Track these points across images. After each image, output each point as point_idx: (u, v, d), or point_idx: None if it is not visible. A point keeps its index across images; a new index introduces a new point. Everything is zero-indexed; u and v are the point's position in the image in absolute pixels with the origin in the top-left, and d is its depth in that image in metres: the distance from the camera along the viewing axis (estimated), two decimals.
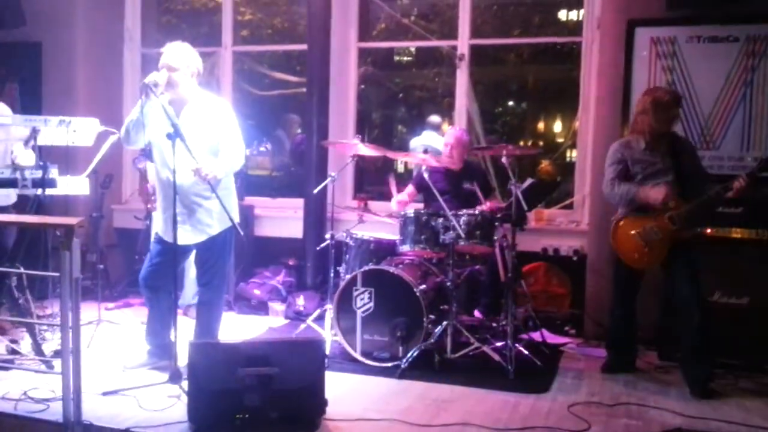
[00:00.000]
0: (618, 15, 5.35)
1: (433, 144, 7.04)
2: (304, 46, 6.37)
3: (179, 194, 4.00)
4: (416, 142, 7.33)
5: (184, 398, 3.55)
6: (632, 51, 5.32)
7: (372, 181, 7.84)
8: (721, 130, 5.18)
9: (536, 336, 5.07)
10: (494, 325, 4.98)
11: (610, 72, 5.42)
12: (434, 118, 7.50)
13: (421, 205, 5.43)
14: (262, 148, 5.89)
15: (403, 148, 7.34)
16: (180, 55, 4.06)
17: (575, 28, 6.56)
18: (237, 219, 4.20)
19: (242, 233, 4.04)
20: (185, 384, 3.54)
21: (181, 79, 4.05)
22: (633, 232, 4.31)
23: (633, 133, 4.46)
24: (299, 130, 7.84)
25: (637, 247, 4.28)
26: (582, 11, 6.04)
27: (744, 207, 4.59)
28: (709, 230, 4.60)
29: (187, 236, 4.17)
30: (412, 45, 8.97)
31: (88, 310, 5.16)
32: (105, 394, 3.80)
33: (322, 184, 5.22)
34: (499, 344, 4.64)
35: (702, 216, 4.29)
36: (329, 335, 4.81)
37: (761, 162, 4.02)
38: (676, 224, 4.17)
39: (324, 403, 3.56)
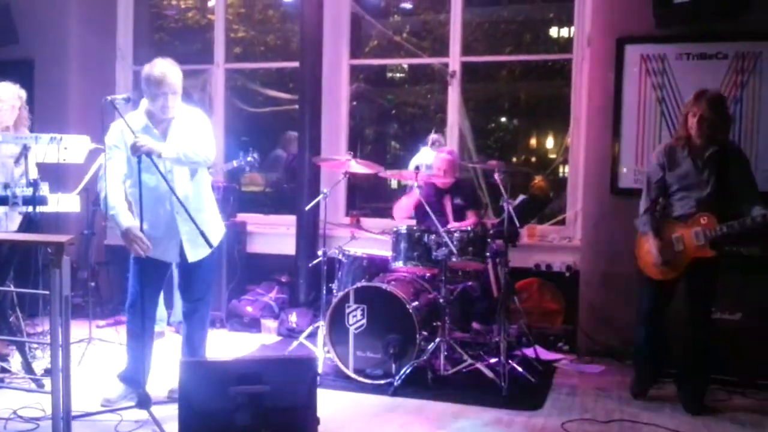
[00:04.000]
0: (608, 32, 5.39)
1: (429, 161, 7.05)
2: (296, 64, 6.40)
3: (179, 212, 3.92)
4: (416, 161, 7.34)
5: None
6: (622, 68, 5.36)
7: (365, 197, 7.85)
8: None
9: (529, 352, 5.05)
10: (488, 341, 4.97)
11: (600, 89, 5.45)
12: (433, 136, 7.51)
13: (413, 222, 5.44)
14: (249, 158, 5.85)
15: (396, 164, 7.35)
16: (179, 76, 3.95)
17: (566, 45, 6.60)
18: (222, 234, 4.22)
19: (212, 247, 3.92)
20: (154, 409, 3.53)
21: (177, 98, 3.98)
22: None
23: (678, 139, 4.19)
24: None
25: (658, 260, 4.15)
26: (572, 28, 6.09)
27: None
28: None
29: (193, 252, 4.04)
30: (404, 62, 8.99)
31: (80, 328, 5.12)
32: (74, 418, 3.53)
33: (314, 201, 5.22)
34: (492, 361, 4.63)
35: (729, 238, 4.08)
36: (322, 352, 4.80)
37: None
38: (701, 240, 4.03)
39: (316, 421, 3.53)
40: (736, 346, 4.57)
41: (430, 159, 7.01)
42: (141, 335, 4.00)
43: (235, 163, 5.96)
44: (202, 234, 3.70)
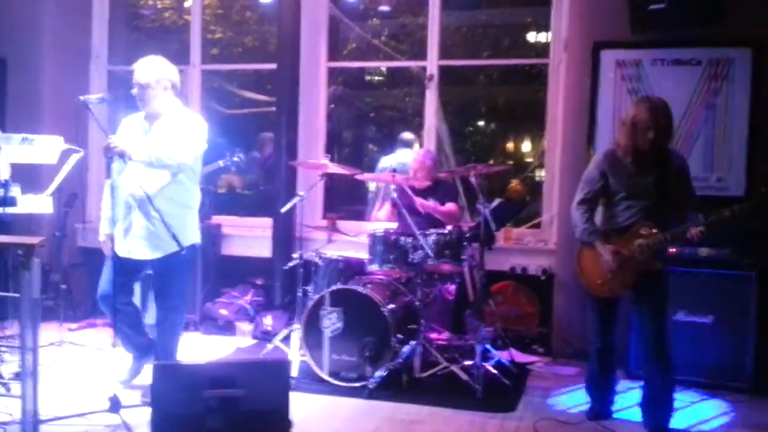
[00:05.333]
0: (584, 37, 5.43)
1: (405, 162, 7.05)
2: (273, 65, 6.37)
3: (139, 208, 4.00)
4: (388, 161, 7.34)
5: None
6: (598, 73, 5.40)
7: (342, 200, 7.84)
8: (685, 152, 5.24)
9: (504, 355, 5.07)
10: (463, 344, 4.98)
11: (576, 93, 5.49)
12: (407, 135, 7.50)
13: (392, 225, 5.44)
14: (235, 158, 5.81)
15: (374, 167, 7.34)
16: (150, 71, 4.04)
17: (543, 49, 6.65)
18: (197, 239, 4.23)
19: (183, 251, 3.92)
20: (124, 413, 3.51)
21: (153, 94, 4.04)
22: (597, 257, 3.93)
23: (620, 146, 3.96)
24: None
25: (601, 273, 3.92)
26: (549, 33, 6.12)
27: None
28: (673, 249, 4.60)
29: (142, 251, 4.09)
30: (382, 65, 9.03)
31: (51, 331, 5.06)
32: (42, 422, 3.51)
33: (291, 203, 5.20)
34: (467, 363, 4.63)
35: (669, 247, 4.00)
36: (297, 355, 4.77)
37: (720, 216, 3.66)
38: (644, 253, 3.81)
39: (290, 424, 3.51)
40: (707, 348, 4.62)
41: (405, 159, 7.05)
42: (116, 324, 4.18)
43: (221, 163, 5.91)
44: (171, 233, 3.72)
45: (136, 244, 4.09)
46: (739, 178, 5.15)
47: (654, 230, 3.81)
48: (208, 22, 7.94)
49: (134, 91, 4.07)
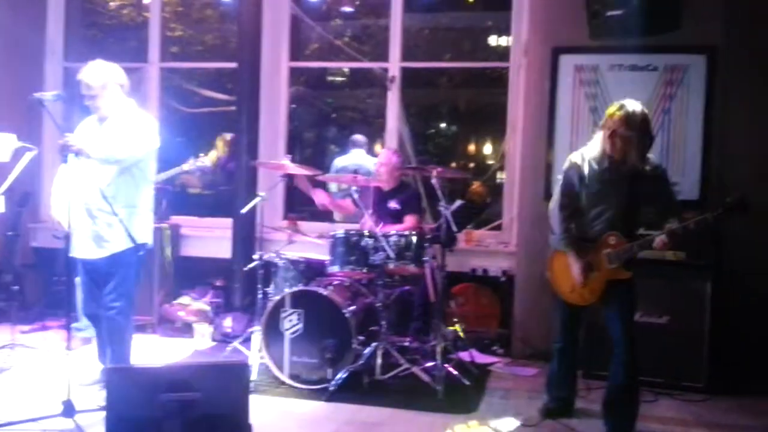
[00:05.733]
0: (543, 42, 5.49)
1: (361, 163, 7.09)
2: (234, 64, 6.30)
3: (86, 208, 4.05)
4: (341, 162, 7.34)
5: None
6: (557, 77, 5.46)
7: (303, 201, 7.79)
8: None
9: (465, 356, 5.09)
10: (424, 345, 4.98)
11: (536, 97, 5.55)
12: (358, 137, 7.53)
13: (351, 226, 5.43)
14: (199, 163, 5.72)
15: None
16: (97, 76, 4.09)
17: (504, 53, 6.70)
18: (149, 240, 4.22)
19: (142, 252, 4.00)
20: (79, 418, 3.44)
21: (102, 98, 4.10)
22: (569, 265, 3.93)
23: (596, 153, 3.91)
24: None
25: (572, 282, 3.93)
26: (510, 38, 6.17)
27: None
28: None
29: (88, 250, 4.13)
30: (344, 66, 9.01)
31: (3, 333, 4.93)
32: None
33: (251, 204, 5.14)
34: (428, 365, 4.64)
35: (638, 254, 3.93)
36: (256, 358, 4.72)
37: (684, 227, 3.69)
38: (613, 263, 3.81)
39: (248, 428, 3.46)
40: (663, 348, 4.70)
41: (359, 161, 7.09)
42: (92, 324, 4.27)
43: (185, 167, 5.82)
44: (126, 230, 3.73)
45: (81, 243, 4.12)
46: (693, 183, 5.25)
47: (622, 240, 3.82)
48: (168, 20, 7.82)
49: (85, 99, 4.13)
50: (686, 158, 5.27)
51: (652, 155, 3.91)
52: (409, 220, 5.27)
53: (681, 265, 4.81)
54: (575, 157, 3.97)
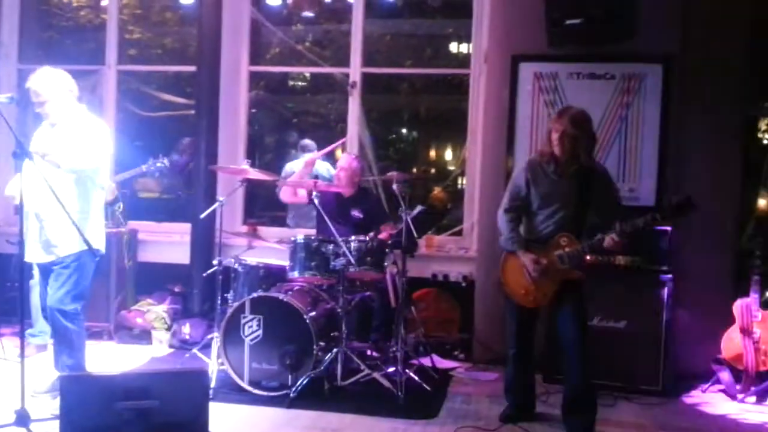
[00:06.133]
0: (503, 50, 5.54)
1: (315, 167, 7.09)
2: (193, 68, 6.24)
3: (35, 212, 4.04)
4: (293, 166, 7.33)
5: None
6: (516, 85, 5.52)
7: (263, 206, 7.74)
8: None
9: (426, 361, 5.10)
10: (385, 351, 4.98)
11: (495, 104, 5.60)
12: (307, 141, 7.54)
13: (311, 232, 5.41)
14: (159, 164, 5.62)
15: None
16: (44, 85, 4.10)
17: (464, 60, 6.75)
18: (101, 246, 4.21)
19: (97, 257, 4.00)
20: (34, 427, 3.38)
21: (51, 106, 4.11)
22: (521, 267, 4.00)
23: (542, 155, 4.04)
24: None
25: (525, 284, 4.00)
26: (471, 45, 6.22)
27: None
28: (588, 257, 4.71)
29: (37, 254, 4.14)
30: (304, 71, 8.97)
31: None
32: None
33: (210, 209, 5.08)
34: (389, 370, 4.64)
35: (588, 256, 4.06)
36: (215, 364, 4.66)
37: (634, 225, 3.75)
38: (565, 264, 3.91)
39: None
40: (620, 352, 4.77)
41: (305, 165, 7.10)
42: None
43: (143, 168, 5.72)
44: (81, 234, 3.70)
45: (31, 247, 4.09)
46: (649, 189, 5.35)
47: (573, 241, 3.90)
48: (126, 22, 7.71)
49: (35, 105, 4.14)
50: (642, 165, 5.36)
51: (601, 160, 4.04)
52: (386, 230, 5.23)
53: (638, 271, 4.90)
54: (524, 163, 4.12)
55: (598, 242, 3.84)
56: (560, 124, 3.88)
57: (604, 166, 4.23)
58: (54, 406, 3.91)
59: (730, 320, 4.87)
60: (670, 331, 4.78)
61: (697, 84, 5.20)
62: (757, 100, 5.69)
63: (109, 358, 5.28)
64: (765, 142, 7.19)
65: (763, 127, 7.09)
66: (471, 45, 6.20)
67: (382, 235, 5.10)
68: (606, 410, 4.40)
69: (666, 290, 4.81)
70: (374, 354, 5.10)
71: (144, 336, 5.80)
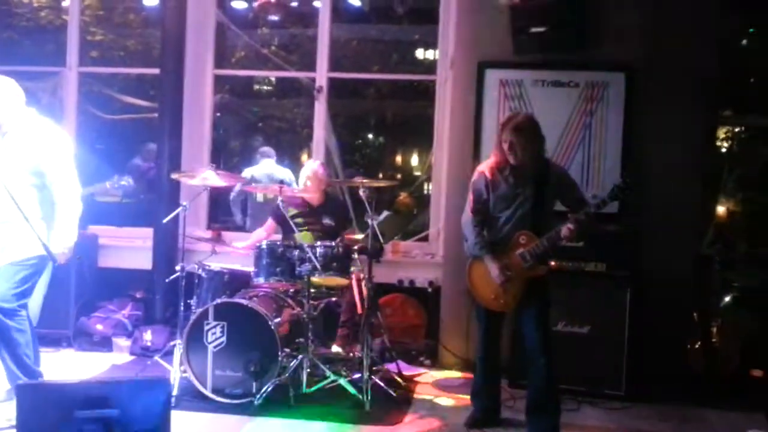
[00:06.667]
0: (469, 56, 5.57)
1: (271, 173, 7.08)
2: (156, 70, 6.15)
3: None
4: (250, 172, 7.31)
5: None
6: (482, 91, 5.54)
7: (227, 211, 7.66)
8: None
9: (392, 367, 5.09)
10: (351, 356, 4.95)
11: (462, 110, 5.62)
12: (266, 148, 7.57)
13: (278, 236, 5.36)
14: (123, 182, 5.54)
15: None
16: None
17: (431, 66, 6.77)
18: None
19: (56, 263, 3.93)
20: None
21: (7, 115, 4.03)
22: (489, 271, 4.00)
23: (497, 161, 4.09)
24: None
25: (494, 288, 4.01)
26: (437, 51, 6.24)
27: (584, 241, 4.85)
28: (552, 263, 4.74)
29: None
30: (270, 75, 8.94)
31: None
32: None
33: (173, 214, 5.00)
34: (355, 377, 4.61)
35: (551, 252, 4.09)
36: (178, 372, 4.59)
37: (586, 212, 3.84)
38: (528, 261, 3.94)
39: None
40: (584, 357, 4.81)
41: (269, 171, 7.09)
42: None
43: (108, 185, 5.62)
44: (41, 240, 3.66)
45: None
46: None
47: (532, 237, 3.96)
48: (88, 23, 7.60)
49: None
50: (605, 172, 5.41)
51: (559, 163, 4.13)
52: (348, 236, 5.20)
53: (601, 276, 4.95)
54: (482, 168, 4.18)
55: (555, 234, 3.90)
56: (506, 134, 3.98)
57: (561, 167, 4.32)
58: (10, 414, 3.82)
59: (691, 325, 4.94)
60: (633, 336, 4.83)
61: (658, 93, 5.28)
62: (717, 109, 5.79)
63: (68, 366, 5.17)
64: (723, 150, 7.34)
65: (722, 136, 7.24)
66: (437, 51, 6.22)
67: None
68: (570, 415, 4.44)
69: (629, 296, 4.86)
70: (350, 355, 5.05)
71: (104, 343, 5.69)
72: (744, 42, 6.71)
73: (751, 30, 6.50)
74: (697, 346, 5.09)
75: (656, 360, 4.96)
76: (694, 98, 5.29)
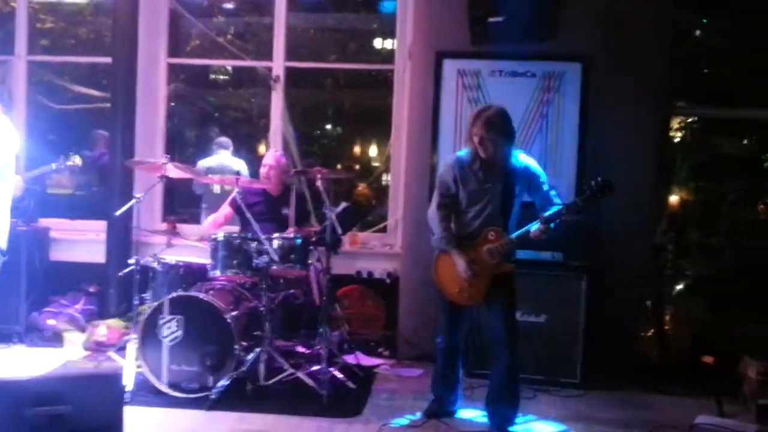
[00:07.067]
0: (427, 46, 5.56)
1: (227, 164, 6.99)
2: (108, 59, 6.01)
3: None
4: (206, 163, 7.21)
5: None
6: (440, 81, 5.54)
7: (183, 202, 7.55)
8: None
9: (351, 359, 5.08)
10: (309, 350, 4.93)
11: (420, 100, 5.61)
12: (222, 138, 7.48)
13: (234, 228, 5.29)
14: (70, 162, 5.39)
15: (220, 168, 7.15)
16: None
17: (389, 56, 6.74)
18: (3, 244, 3.97)
19: (5, 256, 3.84)
20: None
21: None
22: (455, 265, 3.98)
23: (467, 154, 4.06)
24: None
25: (459, 282, 3.98)
26: (395, 41, 6.22)
27: None
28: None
29: None
30: (225, 64, 8.81)
31: None
32: None
33: (126, 206, 4.90)
34: (313, 369, 4.59)
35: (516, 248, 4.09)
36: (132, 367, 4.51)
37: (556, 212, 3.83)
38: (495, 257, 3.93)
39: None
40: (541, 346, 4.86)
41: (225, 162, 7.01)
42: None
43: (53, 166, 5.46)
44: None
45: None
46: (569, 185, 5.45)
47: (501, 234, 3.94)
48: (38, 11, 7.39)
49: None
50: (562, 162, 5.48)
51: (524, 154, 4.11)
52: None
53: (558, 266, 5.00)
54: (450, 161, 4.13)
55: (524, 233, 3.90)
56: (477, 128, 3.92)
57: (532, 160, 4.23)
58: None
59: (645, 313, 5.03)
60: (588, 325, 4.90)
61: (614, 83, 5.34)
62: (670, 99, 5.89)
63: (19, 362, 5.06)
64: (677, 140, 7.48)
65: (675, 126, 7.37)
66: (395, 41, 6.20)
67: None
68: (526, 403, 4.47)
69: (584, 285, 4.92)
70: (298, 350, 5.03)
71: (56, 338, 5.57)
72: (697, 33, 6.83)
73: (704, 21, 6.62)
74: (650, 333, 5.17)
75: (611, 348, 5.05)
76: (647, 89, 5.38)
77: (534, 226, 3.86)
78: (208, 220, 5.38)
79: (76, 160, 5.39)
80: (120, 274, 5.16)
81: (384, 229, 6.22)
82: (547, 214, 3.85)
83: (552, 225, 3.84)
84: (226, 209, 5.39)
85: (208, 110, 9.63)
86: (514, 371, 4.01)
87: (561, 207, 3.83)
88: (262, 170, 5.34)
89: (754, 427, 4.27)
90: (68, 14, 8.33)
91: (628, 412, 4.54)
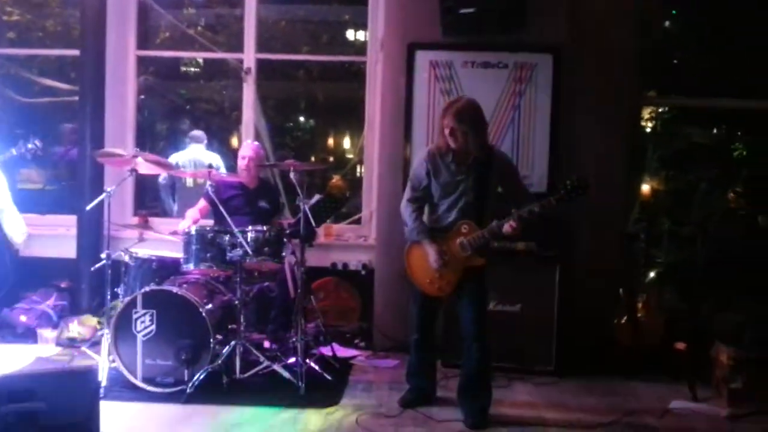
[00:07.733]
0: (399, 38, 5.56)
1: (200, 158, 6.94)
2: (76, 52, 5.93)
3: None
4: (179, 157, 7.14)
5: None
6: (413, 73, 5.54)
7: (154, 196, 7.48)
8: None
9: (327, 350, 5.08)
10: (285, 341, 4.92)
11: (392, 92, 5.61)
12: (196, 132, 7.42)
13: (209, 222, 5.26)
14: (30, 146, 5.26)
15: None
16: None
17: (361, 47, 6.73)
18: None
19: None
20: None
21: None
22: (426, 256, 4.02)
23: (439, 147, 4.06)
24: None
25: (430, 273, 4.03)
26: (367, 32, 6.20)
27: None
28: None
29: None
30: (196, 56, 8.73)
31: None
32: None
33: (96, 200, 4.84)
34: (289, 361, 4.59)
35: (490, 243, 4.08)
36: (106, 362, 4.47)
37: (529, 211, 3.84)
38: (467, 250, 3.96)
39: None
40: (515, 335, 4.91)
41: (198, 156, 6.96)
42: None
43: (14, 151, 5.35)
44: None
45: None
46: (541, 176, 5.51)
47: (474, 228, 3.96)
48: (4, 3, 7.26)
49: None
50: (535, 152, 5.51)
51: (498, 147, 4.13)
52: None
53: (532, 256, 5.04)
54: (423, 154, 4.14)
55: (497, 227, 3.91)
56: (447, 120, 3.93)
57: (505, 154, 4.32)
58: None
59: (618, 301, 5.09)
60: (562, 313, 4.95)
61: (585, 74, 5.40)
62: (641, 89, 5.96)
63: None
64: (648, 130, 7.57)
65: (646, 116, 7.46)
66: (367, 32, 6.19)
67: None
68: (501, 391, 4.52)
69: (558, 274, 4.97)
70: (273, 346, 5.02)
71: (29, 334, 5.50)
72: (666, 24, 6.91)
73: (674, 12, 6.70)
74: (623, 321, 5.24)
75: (585, 335, 5.11)
76: (618, 79, 5.43)
77: (507, 223, 3.88)
78: (188, 217, 5.31)
79: (37, 143, 5.28)
80: (92, 269, 5.11)
81: (358, 221, 6.23)
82: (520, 211, 3.87)
83: (524, 223, 3.86)
84: (201, 203, 5.35)
85: (179, 103, 9.52)
86: (483, 363, 4.05)
87: (535, 206, 3.84)
88: (241, 162, 5.31)
89: (726, 411, 4.36)
90: (35, 6, 8.18)
91: (603, 399, 4.60)
